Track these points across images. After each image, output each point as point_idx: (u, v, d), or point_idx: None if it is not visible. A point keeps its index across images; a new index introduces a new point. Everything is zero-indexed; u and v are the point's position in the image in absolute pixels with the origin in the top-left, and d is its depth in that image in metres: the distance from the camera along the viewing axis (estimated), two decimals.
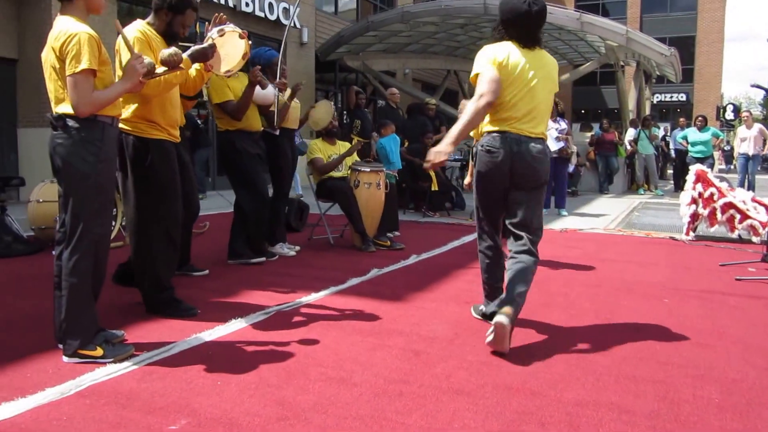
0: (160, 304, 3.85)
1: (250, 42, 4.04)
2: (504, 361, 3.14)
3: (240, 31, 3.98)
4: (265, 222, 5.53)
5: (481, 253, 3.77)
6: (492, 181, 3.53)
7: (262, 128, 5.65)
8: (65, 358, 3.01)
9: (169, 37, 3.85)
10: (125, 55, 3.46)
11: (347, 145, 7.05)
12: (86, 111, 2.94)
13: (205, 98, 5.42)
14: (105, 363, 2.98)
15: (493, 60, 3.43)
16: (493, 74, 3.40)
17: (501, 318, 3.17)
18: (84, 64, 2.88)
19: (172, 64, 3.43)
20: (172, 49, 3.47)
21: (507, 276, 3.44)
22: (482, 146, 3.52)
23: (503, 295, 3.47)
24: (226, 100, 5.09)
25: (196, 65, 3.86)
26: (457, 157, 10.06)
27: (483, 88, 3.40)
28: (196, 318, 3.78)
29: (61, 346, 3.07)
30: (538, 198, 3.53)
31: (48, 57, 2.99)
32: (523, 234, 3.49)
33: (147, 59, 3.18)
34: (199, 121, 11.19)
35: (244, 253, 5.46)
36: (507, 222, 3.59)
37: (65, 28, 2.93)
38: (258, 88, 5.20)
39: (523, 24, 3.44)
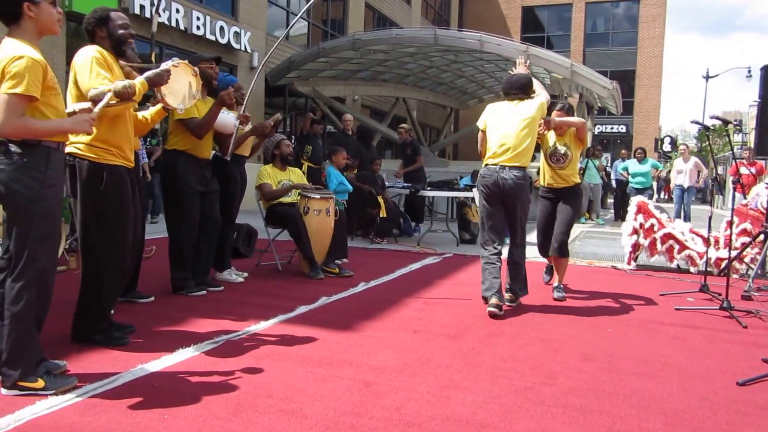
0: (95, 332, 3.71)
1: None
2: (453, 393, 3.15)
3: (194, 68, 4.09)
4: (192, 251, 5.26)
5: (485, 260, 5.07)
6: (490, 197, 5.03)
7: (214, 152, 5.59)
8: (4, 391, 2.89)
9: (118, 46, 3.82)
10: (85, 77, 3.49)
11: (297, 171, 7.05)
12: (7, 133, 2.81)
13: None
14: (46, 395, 2.87)
15: (483, 119, 5.25)
16: (479, 135, 5.29)
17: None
18: (20, 89, 2.77)
19: (125, 96, 3.40)
20: (126, 82, 3.44)
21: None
22: (480, 175, 5.12)
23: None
24: (191, 117, 5.00)
25: (156, 107, 4.08)
26: (406, 185, 10.14)
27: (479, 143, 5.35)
28: (141, 348, 3.69)
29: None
30: (517, 214, 5.04)
31: None
32: (510, 246, 5.16)
33: (101, 88, 3.17)
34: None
35: (185, 286, 5.22)
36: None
37: (10, 50, 2.84)
38: (221, 113, 5.16)
39: (505, 86, 5.27)
